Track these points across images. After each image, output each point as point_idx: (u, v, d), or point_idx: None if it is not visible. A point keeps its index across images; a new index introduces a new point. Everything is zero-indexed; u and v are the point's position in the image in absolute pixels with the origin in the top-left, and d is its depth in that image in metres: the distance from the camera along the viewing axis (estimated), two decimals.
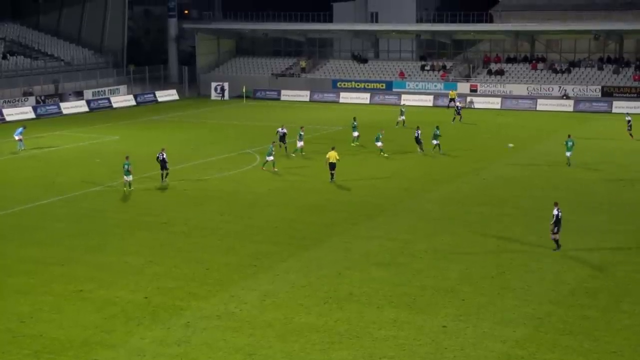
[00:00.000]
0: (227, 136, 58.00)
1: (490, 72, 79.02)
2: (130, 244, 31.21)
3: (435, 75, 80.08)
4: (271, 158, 43.88)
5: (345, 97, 78.65)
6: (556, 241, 29.62)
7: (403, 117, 61.15)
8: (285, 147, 48.59)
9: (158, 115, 70.10)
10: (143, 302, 24.88)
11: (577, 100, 72.14)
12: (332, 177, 41.18)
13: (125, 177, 39.21)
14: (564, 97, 72.96)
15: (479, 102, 74.24)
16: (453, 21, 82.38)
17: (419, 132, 49.94)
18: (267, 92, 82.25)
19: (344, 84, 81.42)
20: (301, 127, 49.75)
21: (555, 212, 29.33)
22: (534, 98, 73.54)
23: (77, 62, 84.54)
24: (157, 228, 33.52)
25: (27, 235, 32.61)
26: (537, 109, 71.89)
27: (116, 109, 74.85)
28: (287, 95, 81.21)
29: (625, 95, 72.17)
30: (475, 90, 76.43)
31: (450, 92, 74.02)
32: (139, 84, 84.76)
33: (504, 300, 24.89)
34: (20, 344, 21.87)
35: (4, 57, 79.02)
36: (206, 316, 23.76)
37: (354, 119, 54.17)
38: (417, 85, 78.12)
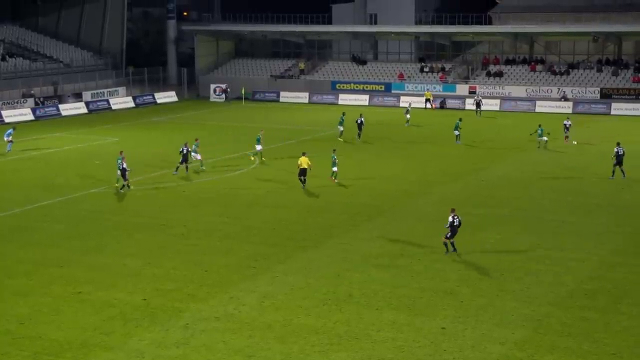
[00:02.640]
0: (226, 138, 57.98)
1: (489, 74, 79.07)
2: (129, 246, 31.20)
3: (434, 77, 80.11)
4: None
5: (344, 99, 78.64)
6: (445, 244, 29.31)
7: (408, 115, 62.39)
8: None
9: (157, 117, 70.11)
10: (142, 304, 24.87)
11: (576, 102, 72.18)
12: (303, 184, 39.85)
13: (118, 172, 39.86)
14: (563, 99, 73.00)
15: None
16: (452, 23, 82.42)
17: (362, 119, 55.37)
18: (266, 94, 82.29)
19: (343, 86, 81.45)
20: (261, 130, 48.70)
21: (450, 218, 28.99)
22: (532, 100, 73.58)
23: (76, 63, 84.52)
24: (155, 230, 33.51)
25: (26, 237, 32.60)
26: (536, 110, 71.89)
27: (115, 111, 74.85)
28: (286, 96, 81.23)
29: (623, 97, 72.22)
30: (474, 92, 76.42)
31: (426, 92, 74.99)
32: (138, 85, 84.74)
33: (503, 302, 24.89)
34: (19, 346, 21.86)
35: (3, 59, 79.00)
36: (205, 318, 23.75)
37: (343, 113, 54.75)
38: (416, 87, 78.17)
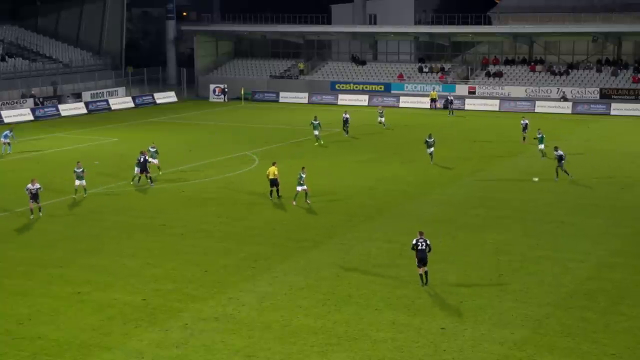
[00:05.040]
0: (225, 138, 57.98)
1: (488, 74, 79.07)
2: (128, 246, 31.19)
3: (434, 77, 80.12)
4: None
5: (344, 99, 78.64)
6: (420, 276, 26.23)
7: (383, 119, 61.05)
8: None
9: (157, 117, 70.10)
10: (141, 304, 24.86)
11: (576, 103, 72.18)
12: (277, 194, 37.86)
13: (77, 181, 38.57)
14: (563, 99, 73.01)
15: (478, 104, 74.28)
16: (451, 23, 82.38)
17: (347, 116, 56.53)
18: (266, 94, 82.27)
19: (343, 86, 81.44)
20: (152, 144, 44.99)
21: (414, 240, 26.35)
22: (532, 100, 73.56)
23: (76, 64, 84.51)
24: (154, 230, 33.50)
25: (25, 238, 32.60)
26: (536, 110, 71.89)
27: (115, 111, 74.83)
28: (285, 97, 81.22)
29: (623, 97, 72.22)
30: (474, 92, 76.48)
31: (431, 92, 74.96)
32: (138, 85, 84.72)
33: (503, 303, 24.88)
34: (18, 346, 21.84)
35: (3, 59, 78.98)
36: (204, 318, 23.74)
37: (315, 117, 54.49)
38: (415, 87, 78.17)
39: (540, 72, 78.08)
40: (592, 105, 71.47)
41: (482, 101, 74.65)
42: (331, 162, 48.02)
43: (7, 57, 79.72)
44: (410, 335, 22.53)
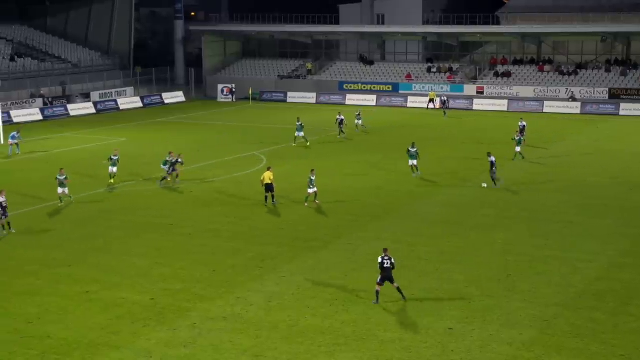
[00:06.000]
0: (233, 138, 58.04)
1: (496, 74, 78.94)
2: (136, 246, 31.26)
3: (442, 77, 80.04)
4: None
5: (352, 99, 78.63)
6: (377, 293, 24.80)
7: (360, 121, 59.90)
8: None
9: (165, 117, 70.22)
10: (149, 304, 24.91)
11: (584, 103, 72.01)
12: (273, 199, 37.09)
13: (59, 189, 37.21)
14: (571, 100, 72.83)
15: (486, 104, 74.18)
16: (459, 23, 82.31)
17: (342, 117, 56.74)
18: (274, 94, 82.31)
19: (351, 86, 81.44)
20: (115, 150, 43.56)
21: (379, 259, 24.86)
22: (540, 100, 73.42)
23: (84, 64, 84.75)
24: (163, 230, 33.56)
25: (33, 237, 32.70)
26: (544, 111, 71.75)
27: (123, 111, 74.99)
28: (293, 97, 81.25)
29: (632, 97, 72.02)
30: (482, 92, 76.37)
31: (430, 92, 75.02)
32: (146, 85, 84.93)
33: (511, 303, 24.84)
34: (27, 345, 21.91)
35: (12, 59, 79.24)
36: (212, 318, 23.78)
37: (298, 119, 54.56)
38: (423, 87, 78.07)
39: (548, 72, 77.90)
40: (601, 106, 71.29)
41: (490, 101, 74.51)
42: (337, 163, 48.02)
43: (16, 57, 79.98)
44: (418, 335, 22.51)
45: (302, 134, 53.73)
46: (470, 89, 77.16)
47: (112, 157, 41.45)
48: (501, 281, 26.86)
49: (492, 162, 40.65)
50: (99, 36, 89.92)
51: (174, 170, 41.67)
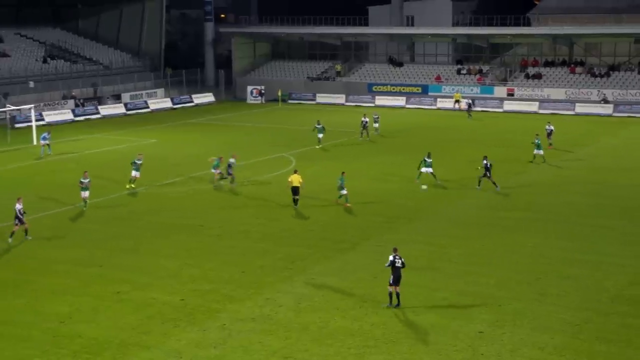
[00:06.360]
0: (262, 139, 58.18)
1: (527, 76, 78.37)
2: (166, 247, 31.43)
3: (472, 79, 79.64)
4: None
5: (381, 101, 78.50)
6: (390, 295, 24.59)
7: (377, 124, 59.19)
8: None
9: (195, 119, 70.57)
10: (179, 304, 25.03)
11: (617, 104, 71.24)
12: (295, 203, 37.07)
13: (82, 192, 37.03)
14: (603, 102, 72.09)
15: (516, 106, 73.66)
16: (490, 24, 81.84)
17: (367, 119, 56.08)
18: (303, 96, 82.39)
19: (380, 88, 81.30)
20: (139, 154, 42.57)
21: (390, 257, 24.74)
22: (572, 102, 72.76)
23: (115, 65, 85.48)
24: (193, 231, 33.72)
25: (65, 237, 32.99)
26: (576, 112, 71.12)
27: (153, 112, 75.49)
28: (322, 98, 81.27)
29: None
30: (512, 94, 75.86)
31: (455, 94, 74.69)
32: (176, 87, 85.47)
33: (541, 307, 24.62)
34: (59, 344, 22.12)
35: (45, 61, 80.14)
36: (242, 319, 23.83)
37: (318, 122, 54.38)
38: (453, 89, 77.68)
39: (580, 74, 77.17)
40: (633, 107, 70.46)
41: (521, 103, 74.00)
42: (368, 163, 47.96)
43: (49, 59, 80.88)
44: (447, 338, 22.39)
45: (321, 135, 53.79)
46: (500, 91, 76.67)
47: (136, 161, 41.38)
48: (531, 284, 26.64)
49: (486, 165, 40.42)
50: (130, 38, 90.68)
51: (230, 174, 41.83)
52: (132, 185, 41.26)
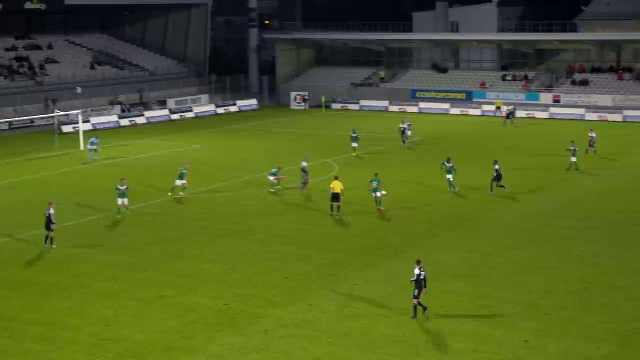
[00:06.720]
0: (306, 145, 58.27)
1: (574, 83, 77.38)
2: (210, 252, 31.63)
3: (517, 86, 78.88)
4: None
5: (425, 107, 78.15)
6: (415, 307, 24.25)
7: (410, 132, 58.25)
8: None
9: (238, 124, 70.99)
10: (223, 309, 25.16)
11: None
12: (338, 210, 36.65)
13: (119, 200, 36.90)
14: None
15: (562, 113, 72.74)
16: (536, 31, 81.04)
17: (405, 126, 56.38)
18: (346, 102, 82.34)
19: (424, 94, 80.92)
20: (186, 164, 42.93)
21: (416, 271, 24.40)
22: (620, 109, 71.63)
23: (161, 71, 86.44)
24: (236, 236, 33.89)
25: (111, 241, 33.40)
26: (624, 120, 70.01)
27: (198, 118, 76.13)
28: (366, 105, 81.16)
29: None
30: (558, 101, 74.95)
31: (496, 101, 74.07)
32: (220, 93, 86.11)
33: (588, 316, 24.24)
34: (105, 347, 22.38)
35: (92, 67, 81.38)
36: (284, 324, 23.87)
37: (353, 130, 54.05)
38: (498, 96, 76.99)
39: (628, 80, 75.95)
40: None
41: (567, 110, 73.04)
42: (412, 170, 47.75)
43: (96, 65, 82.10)
44: (491, 347, 22.16)
45: (356, 144, 53.47)
46: (546, 98, 75.81)
47: (183, 170, 41.49)
48: (579, 294, 26.25)
49: (497, 170, 40.84)
50: (176, 44, 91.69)
51: (305, 182, 41.89)
52: (182, 193, 41.16)
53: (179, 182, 41.17)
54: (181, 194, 41.36)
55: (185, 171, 41.45)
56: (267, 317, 24.45)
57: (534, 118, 72.38)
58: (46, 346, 22.49)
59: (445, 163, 41.92)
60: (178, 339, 22.94)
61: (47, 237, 32.06)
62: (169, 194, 41.27)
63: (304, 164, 42.56)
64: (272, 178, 42.13)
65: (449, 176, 41.57)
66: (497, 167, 41.12)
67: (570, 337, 22.75)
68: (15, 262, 30.59)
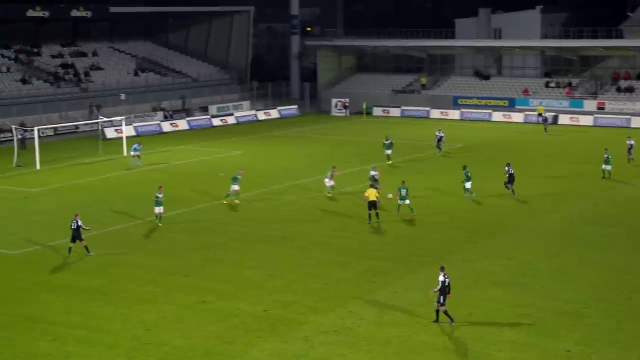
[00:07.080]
0: (346, 152, 58.30)
1: (619, 89, 76.31)
2: (250, 258, 31.79)
3: (560, 92, 78.03)
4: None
5: (467, 114, 77.67)
6: (437, 312, 24.28)
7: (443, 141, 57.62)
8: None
9: (279, 131, 71.27)
10: (262, 315, 25.27)
11: None
12: (376, 217, 36.50)
13: (156, 208, 36.79)
14: None
15: (606, 121, 71.75)
16: (580, 37, 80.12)
17: (441, 134, 55.69)
18: (388, 109, 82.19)
19: (465, 101, 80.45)
20: (240, 170, 42.75)
21: (441, 277, 24.36)
22: None
23: (203, 78, 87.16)
24: (276, 242, 34.02)
25: (152, 246, 33.77)
26: None
27: (239, 124, 76.60)
28: (407, 111, 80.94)
29: None
30: (603, 108, 73.97)
31: (538, 107, 73.53)
32: (262, 99, 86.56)
33: (632, 325, 23.89)
34: (146, 351, 22.62)
35: (136, 74, 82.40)
36: (324, 331, 23.89)
37: (387, 137, 53.58)
38: (541, 103, 76.27)
39: None
40: None
41: (612, 117, 72.06)
42: (451, 177, 47.44)
43: (139, 72, 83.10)
44: (532, 356, 21.95)
45: (390, 151, 53.18)
46: (590, 105, 74.85)
47: (237, 176, 41.52)
48: (623, 303, 25.90)
49: (511, 174, 41.07)
50: (218, 51, 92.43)
51: (374, 186, 41.17)
52: (237, 201, 41.14)
53: (235, 187, 41.20)
54: (236, 201, 41.26)
55: (239, 177, 41.55)
56: (307, 323, 24.50)
57: (577, 125, 71.54)
58: (88, 349, 22.81)
59: (465, 171, 41.56)
60: (218, 344, 23.10)
61: (69, 249, 31.95)
62: (224, 201, 41.37)
63: (373, 172, 42.08)
64: (327, 181, 42.20)
65: (468, 184, 41.24)
66: (508, 169, 41.33)
67: (614, 346, 22.44)
68: (59, 266, 31.08)
